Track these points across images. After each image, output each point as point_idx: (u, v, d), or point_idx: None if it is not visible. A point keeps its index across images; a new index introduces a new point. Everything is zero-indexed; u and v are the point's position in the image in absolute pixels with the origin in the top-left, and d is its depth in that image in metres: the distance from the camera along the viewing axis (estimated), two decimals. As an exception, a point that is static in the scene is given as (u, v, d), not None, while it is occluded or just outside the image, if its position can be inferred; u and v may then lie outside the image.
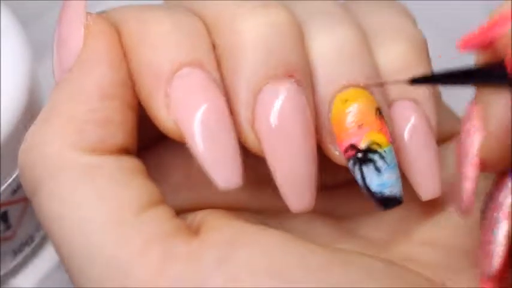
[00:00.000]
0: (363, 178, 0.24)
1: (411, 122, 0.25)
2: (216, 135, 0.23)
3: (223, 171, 0.23)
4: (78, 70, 0.24)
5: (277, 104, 0.23)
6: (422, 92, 0.25)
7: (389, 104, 0.25)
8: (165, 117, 0.23)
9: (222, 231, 0.23)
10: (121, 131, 0.24)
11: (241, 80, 0.23)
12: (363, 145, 0.24)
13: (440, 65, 0.29)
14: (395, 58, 0.25)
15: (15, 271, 0.34)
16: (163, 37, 0.24)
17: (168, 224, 0.23)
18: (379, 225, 0.26)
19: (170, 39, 0.24)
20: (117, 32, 0.24)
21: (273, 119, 0.23)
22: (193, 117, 0.23)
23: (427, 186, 0.25)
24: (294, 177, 0.23)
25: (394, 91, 0.25)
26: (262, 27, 0.23)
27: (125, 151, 0.24)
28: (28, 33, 0.29)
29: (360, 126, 0.24)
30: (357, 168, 0.24)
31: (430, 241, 0.26)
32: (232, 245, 0.22)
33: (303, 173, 0.24)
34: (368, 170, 0.24)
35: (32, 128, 0.24)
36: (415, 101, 0.25)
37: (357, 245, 0.26)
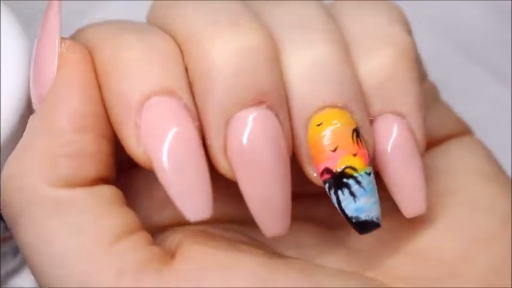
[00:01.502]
0: (339, 203, 0.24)
1: (393, 137, 0.24)
2: (184, 166, 0.23)
3: (192, 203, 0.23)
4: (51, 101, 0.24)
5: (247, 131, 0.23)
6: (408, 103, 0.25)
7: (372, 119, 0.25)
8: (135, 147, 0.23)
9: (196, 260, 0.23)
10: (95, 162, 0.24)
11: (212, 107, 0.23)
12: (337, 169, 0.23)
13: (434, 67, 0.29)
14: (379, 68, 0.25)
15: (15, 271, 0.34)
16: (133, 65, 0.23)
17: (142, 253, 0.23)
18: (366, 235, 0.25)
19: (139, 67, 0.23)
20: (91, 58, 0.24)
21: (243, 146, 0.23)
22: (161, 147, 0.23)
23: (410, 204, 0.25)
24: (266, 203, 0.23)
25: (377, 104, 0.24)
26: (230, 52, 0.23)
27: (100, 181, 0.24)
28: (28, 33, 0.29)
29: (334, 150, 0.23)
30: (332, 192, 0.23)
31: (417, 253, 0.26)
32: (202, 276, 0.23)
33: (275, 199, 0.23)
34: (343, 195, 0.23)
35: (10, 159, 0.24)
36: (399, 114, 0.25)
37: (342, 258, 0.26)
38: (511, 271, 0.25)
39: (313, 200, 0.27)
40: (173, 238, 0.25)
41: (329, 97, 0.24)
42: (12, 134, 0.27)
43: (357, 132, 0.24)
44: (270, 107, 0.23)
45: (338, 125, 0.23)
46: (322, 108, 0.24)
